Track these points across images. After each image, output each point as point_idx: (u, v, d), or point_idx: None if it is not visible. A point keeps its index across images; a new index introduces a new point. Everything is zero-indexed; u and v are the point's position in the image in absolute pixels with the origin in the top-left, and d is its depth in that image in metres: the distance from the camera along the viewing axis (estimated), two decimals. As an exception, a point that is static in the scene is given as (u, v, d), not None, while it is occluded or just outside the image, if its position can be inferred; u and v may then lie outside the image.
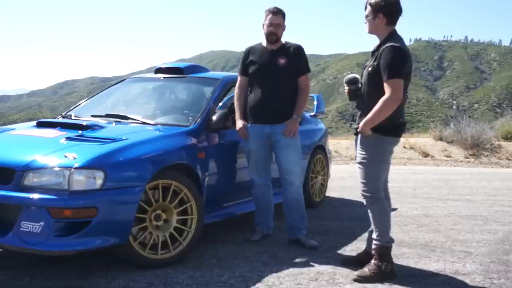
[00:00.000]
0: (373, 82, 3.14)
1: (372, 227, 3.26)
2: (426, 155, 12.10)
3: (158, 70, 4.68)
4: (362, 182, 3.22)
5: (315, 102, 5.74)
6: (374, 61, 3.14)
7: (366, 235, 3.55)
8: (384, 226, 3.22)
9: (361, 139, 3.21)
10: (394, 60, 3.03)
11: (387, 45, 3.08)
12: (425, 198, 6.40)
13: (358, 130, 3.19)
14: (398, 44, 3.07)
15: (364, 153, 3.19)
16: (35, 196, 2.82)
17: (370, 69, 3.16)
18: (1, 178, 2.93)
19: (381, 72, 3.05)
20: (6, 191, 2.88)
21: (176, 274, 3.13)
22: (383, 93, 3.05)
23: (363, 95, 3.24)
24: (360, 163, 3.22)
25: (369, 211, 3.26)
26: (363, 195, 3.25)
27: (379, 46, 3.16)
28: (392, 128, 3.16)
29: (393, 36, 3.15)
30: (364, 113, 3.18)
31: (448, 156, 12.11)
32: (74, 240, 2.85)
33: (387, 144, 3.19)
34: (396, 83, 3.01)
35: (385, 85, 3.03)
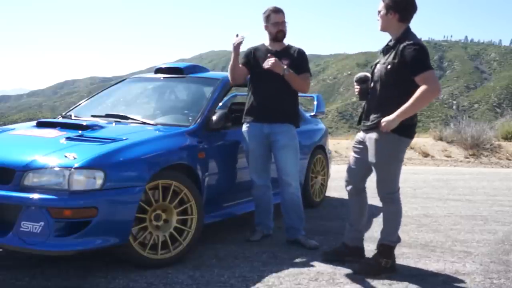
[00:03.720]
0: (392, 80, 3.10)
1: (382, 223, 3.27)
2: (426, 155, 12.10)
3: (158, 70, 4.68)
4: (378, 183, 3.21)
5: (315, 102, 5.73)
6: (394, 58, 3.09)
7: (366, 235, 3.56)
8: (394, 226, 3.24)
9: (377, 139, 3.16)
10: (421, 56, 3.03)
11: (407, 42, 3.05)
12: (425, 198, 6.40)
13: (381, 124, 3.09)
14: (418, 41, 3.08)
15: (379, 154, 3.16)
16: (35, 196, 2.82)
17: (389, 66, 3.10)
18: (1, 178, 2.93)
19: (409, 68, 3.02)
20: (6, 191, 2.88)
21: (176, 274, 3.13)
22: (402, 91, 3.03)
23: (375, 93, 3.20)
24: (375, 164, 3.20)
25: (383, 209, 3.27)
26: (379, 195, 3.25)
27: (396, 44, 3.12)
28: (408, 128, 3.13)
29: (409, 33, 3.13)
30: (378, 111, 3.14)
31: (448, 156, 12.11)
32: (74, 240, 2.85)
33: (401, 144, 3.18)
34: (431, 74, 3.01)
35: (420, 79, 3.00)
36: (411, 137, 3.21)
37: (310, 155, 5.26)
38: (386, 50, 3.20)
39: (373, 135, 3.18)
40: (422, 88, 2.98)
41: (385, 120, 3.06)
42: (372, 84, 3.25)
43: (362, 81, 3.32)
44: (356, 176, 3.37)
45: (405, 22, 3.14)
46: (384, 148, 3.14)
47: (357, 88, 3.34)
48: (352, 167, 3.40)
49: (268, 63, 3.71)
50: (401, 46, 3.06)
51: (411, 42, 3.05)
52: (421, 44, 3.07)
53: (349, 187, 3.41)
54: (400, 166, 3.24)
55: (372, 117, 3.21)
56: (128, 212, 3.03)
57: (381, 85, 3.17)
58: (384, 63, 3.16)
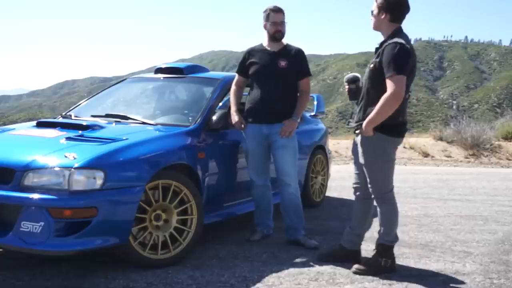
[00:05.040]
0: (375, 80, 3.09)
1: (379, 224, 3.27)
2: (426, 155, 12.11)
3: (158, 70, 4.68)
4: (370, 183, 3.21)
5: (315, 102, 5.73)
6: (377, 58, 3.10)
7: (367, 235, 3.56)
8: (389, 225, 3.23)
9: (361, 140, 3.18)
10: (397, 56, 2.96)
11: (389, 41, 3.04)
12: (425, 198, 6.40)
13: (358, 131, 3.17)
14: (401, 41, 3.02)
15: (366, 155, 3.17)
16: (35, 196, 2.82)
17: (372, 66, 3.12)
18: (1, 178, 2.93)
19: (383, 68, 3.01)
20: (6, 191, 2.88)
21: (176, 274, 3.13)
22: (385, 91, 3.00)
23: (363, 93, 3.21)
24: (364, 165, 3.21)
25: (378, 209, 3.26)
26: (373, 195, 3.25)
27: (382, 43, 3.13)
28: (391, 127, 3.11)
29: (398, 33, 3.11)
30: (363, 112, 3.17)
31: (448, 156, 12.12)
32: (74, 240, 2.85)
33: (387, 145, 3.16)
34: (398, 80, 2.95)
35: (387, 82, 2.97)
36: (400, 136, 3.20)
37: (310, 155, 5.26)
38: (376, 50, 3.21)
39: (359, 136, 3.20)
40: (385, 94, 2.97)
41: (362, 126, 3.10)
42: (362, 85, 3.28)
43: (351, 81, 3.34)
44: (363, 180, 3.33)
45: (396, 22, 3.14)
46: (370, 149, 3.15)
47: (347, 88, 3.37)
48: (356, 172, 3.38)
49: (286, 134, 3.80)
50: (384, 45, 3.07)
51: (395, 41, 3.02)
52: (403, 44, 3.00)
53: (357, 193, 3.39)
54: (391, 166, 3.23)
55: (356, 117, 3.23)
56: (128, 212, 3.03)
57: (365, 85, 3.20)
58: (370, 63, 3.18)
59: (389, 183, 3.22)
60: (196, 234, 3.40)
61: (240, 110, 3.98)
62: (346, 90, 3.38)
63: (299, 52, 3.94)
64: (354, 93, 3.33)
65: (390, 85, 2.96)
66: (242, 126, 3.88)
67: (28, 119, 18.49)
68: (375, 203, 3.35)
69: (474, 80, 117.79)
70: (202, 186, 3.63)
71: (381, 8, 3.11)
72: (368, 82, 3.16)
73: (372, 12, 3.19)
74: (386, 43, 3.06)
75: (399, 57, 2.98)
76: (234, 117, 3.89)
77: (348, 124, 3.38)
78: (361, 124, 3.15)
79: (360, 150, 3.21)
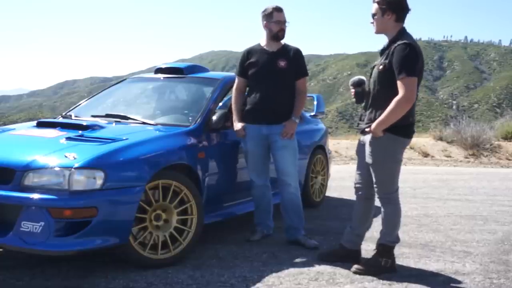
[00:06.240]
0: (385, 81, 3.09)
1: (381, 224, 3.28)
2: (426, 155, 12.11)
3: (158, 70, 4.68)
4: (375, 183, 3.21)
5: (315, 102, 5.73)
6: (386, 59, 3.09)
7: (367, 235, 3.56)
8: (392, 226, 3.23)
9: (370, 140, 3.17)
10: (407, 57, 2.97)
11: (399, 42, 3.03)
12: (425, 198, 6.40)
13: (369, 130, 3.15)
14: (410, 41, 3.03)
15: (374, 155, 3.16)
16: (35, 196, 2.82)
17: (381, 67, 3.11)
18: (1, 178, 2.93)
19: (394, 70, 3.01)
20: (6, 191, 2.88)
21: (176, 274, 3.13)
22: (395, 92, 3.00)
23: (372, 95, 3.20)
24: (371, 165, 3.20)
25: (382, 209, 3.27)
26: (377, 195, 3.25)
27: (389, 44, 3.12)
28: (402, 128, 3.11)
29: (403, 33, 3.11)
30: (375, 113, 3.15)
31: (448, 156, 12.12)
32: (74, 240, 2.85)
33: (397, 145, 3.16)
34: (410, 82, 2.96)
35: (399, 84, 2.98)
36: (409, 136, 3.19)
37: (310, 155, 5.26)
38: (382, 52, 3.21)
39: (368, 136, 3.19)
40: (397, 97, 2.97)
41: (372, 127, 3.09)
42: (369, 87, 3.27)
43: (357, 84, 3.33)
44: (365, 180, 3.32)
45: (400, 22, 3.14)
46: (379, 149, 3.14)
47: (353, 91, 3.36)
48: (359, 171, 3.38)
49: (288, 136, 3.81)
50: (394, 46, 3.06)
51: (404, 41, 3.02)
52: (413, 45, 3.02)
53: (359, 193, 3.38)
54: (398, 167, 3.22)
55: (366, 118, 3.22)
56: (128, 212, 3.03)
57: (374, 86, 3.18)
58: (378, 65, 3.17)
59: (395, 184, 3.22)
60: (196, 234, 3.41)
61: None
62: (352, 93, 3.36)
63: (298, 52, 3.94)
64: (360, 96, 3.32)
65: (402, 88, 2.96)
66: (244, 134, 3.88)
67: (28, 119, 18.50)
68: (376, 203, 3.35)
69: (474, 80, 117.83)
70: (202, 186, 3.63)
71: (386, 9, 3.10)
72: (377, 83, 3.15)
73: (374, 15, 3.16)
74: (395, 44, 3.05)
75: (410, 59, 2.99)
76: (237, 126, 3.90)
77: (357, 126, 3.37)
78: (371, 124, 3.15)
79: (368, 149, 3.20)
